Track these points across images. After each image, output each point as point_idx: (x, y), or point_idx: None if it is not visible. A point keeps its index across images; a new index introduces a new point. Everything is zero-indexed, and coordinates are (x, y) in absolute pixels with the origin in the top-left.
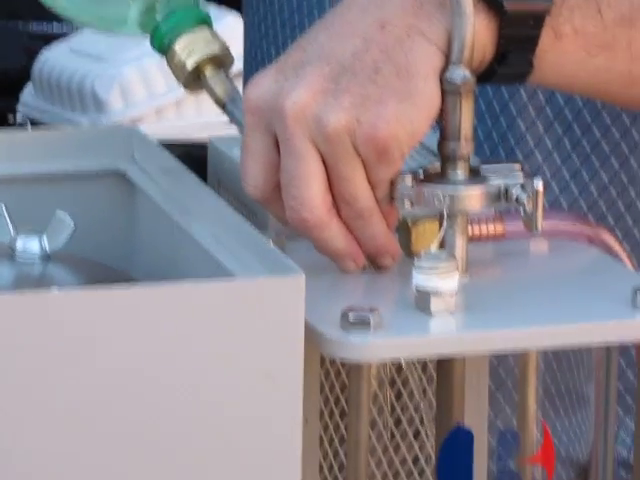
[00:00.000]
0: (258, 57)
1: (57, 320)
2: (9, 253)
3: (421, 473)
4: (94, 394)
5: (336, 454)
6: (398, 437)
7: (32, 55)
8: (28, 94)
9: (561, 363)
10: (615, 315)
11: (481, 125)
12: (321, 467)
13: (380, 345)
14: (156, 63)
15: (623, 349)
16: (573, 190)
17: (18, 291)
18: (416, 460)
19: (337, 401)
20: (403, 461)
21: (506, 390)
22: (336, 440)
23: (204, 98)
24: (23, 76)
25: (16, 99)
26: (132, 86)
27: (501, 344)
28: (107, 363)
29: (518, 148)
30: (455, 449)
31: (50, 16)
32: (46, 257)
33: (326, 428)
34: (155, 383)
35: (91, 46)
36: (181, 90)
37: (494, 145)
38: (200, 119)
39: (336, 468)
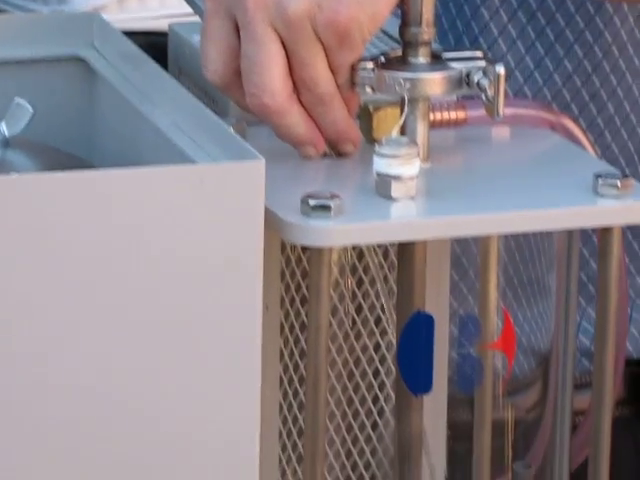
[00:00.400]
0: None
1: (16, 205)
2: None
3: (382, 360)
4: (50, 281)
5: (297, 341)
6: (359, 324)
7: None
8: None
9: (523, 253)
10: (577, 201)
11: (445, 14)
12: (282, 354)
13: (341, 230)
14: None
15: (586, 239)
16: (537, 79)
17: None
18: (377, 347)
19: (298, 288)
20: (364, 348)
21: (469, 280)
22: (297, 327)
23: None
24: None
25: None
26: None
27: (462, 229)
28: (66, 249)
29: (482, 37)
30: (415, 334)
31: None
32: (5, 143)
33: (287, 315)
34: (114, 269)
35: None
36: None
37: (458, 34)
38: (163, 11)
39: (297, 355)
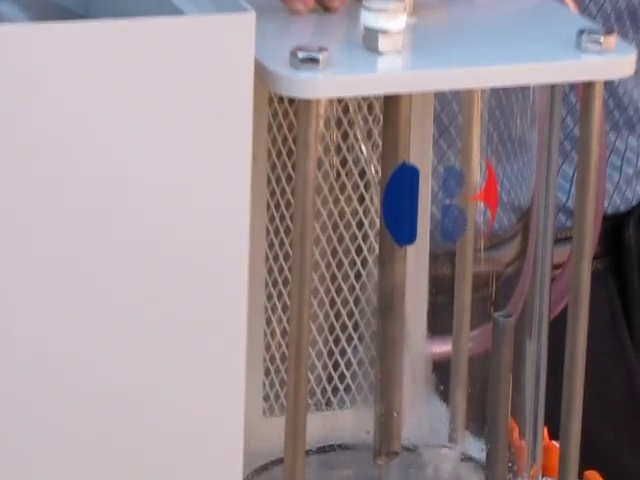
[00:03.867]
0: None
1: (8, 56)
2: None
3: (366, 212)
4: (42, 130)
5: (283, 193)
6: (344, 176)
7: None
8: None
9: (504, 110)
10: (560, 56)
11: None
12: (268, 205)
13: (328, 82)
14: None
15: (563, 97)
16: None
17: None
18: (361, 199)
19: (284, 142)
20: (348, 199)
21: (449, 136)
22: (283, 179)
23: None
24: None
25: None
26: None
27: (448, 83)
28: (58, 100)
29: None
30: (401, 185)
31: None
32: None
33: (273, 167)
34: (105, 121)
35: None
36: None
37: None
38: None
39: (283, 206)
